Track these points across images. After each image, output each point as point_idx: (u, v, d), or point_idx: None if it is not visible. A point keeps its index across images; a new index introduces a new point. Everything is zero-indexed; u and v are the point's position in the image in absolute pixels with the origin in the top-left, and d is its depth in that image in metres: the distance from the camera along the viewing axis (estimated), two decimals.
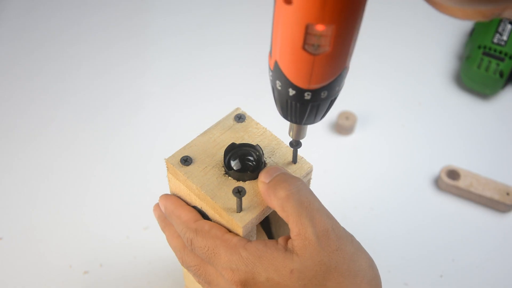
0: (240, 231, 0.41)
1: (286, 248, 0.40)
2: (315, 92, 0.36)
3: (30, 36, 0.96)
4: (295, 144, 0.43)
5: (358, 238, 0.43)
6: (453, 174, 0.76)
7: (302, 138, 0.42)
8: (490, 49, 0.86)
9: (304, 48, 0.33)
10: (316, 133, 0.83)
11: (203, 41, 0.96)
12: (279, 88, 0.37)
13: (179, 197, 0.47)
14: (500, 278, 0.69)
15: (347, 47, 0.34)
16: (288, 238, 0.41)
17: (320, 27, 0.31)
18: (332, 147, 0.82)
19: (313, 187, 0.48)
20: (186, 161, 0.44)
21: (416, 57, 0.95)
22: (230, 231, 0.43)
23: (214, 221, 0.44)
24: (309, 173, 0.45)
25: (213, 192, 0.43)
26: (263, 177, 0.42)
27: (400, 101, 0.89)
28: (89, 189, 0.76)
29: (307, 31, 0.32)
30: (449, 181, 0.75)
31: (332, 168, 0.79)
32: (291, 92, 0.36)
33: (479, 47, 0.87)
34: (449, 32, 0.98)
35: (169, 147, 0.50)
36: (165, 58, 0.93)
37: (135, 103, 0.87)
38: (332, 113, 0.85)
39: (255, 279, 0.40)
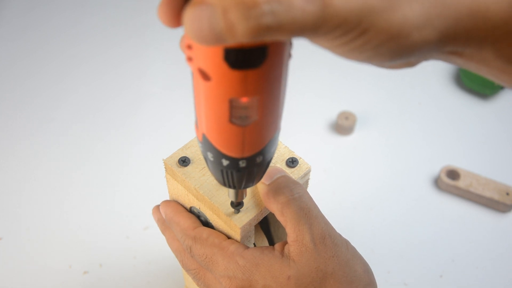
0: (238, 231, 0.41)
1: (283, 255, 0.40)
2: (250, 159, 0.34)
3: (30, 36, 0.96)
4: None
5: (357, 238, 0.43)
6: (453, 174, 0.76)
7: (244, 198, 0.40)
8: None
9: (231, 122, 0.30)
10: (316, 133, 0.83)
11: None
12: (212, 159, 0.34)
13: (177, 199, 0.47)
14: (500, 278, 0.69)
15: (276, 112, 0.31)
16: (285, 243, 0.41)
17: (244, 100, 0.29)
18: (332, 147, 0.82)
19: (313, 187, 0.48)
20: (184, 161, 0.44)
21: None
22: (228, 232, 0.43)
23: (212, 222, 0.44)
24: (307, 173, 0.45)
25: (211, 192, 0.43)
26: (263, 178, 0.42)
27: (400, 101, 0.88)
28: (89, 189, 0.76)
29: (232, 105, 0.29)
30: (449, 181, 0.75)
31: (332, 168, 0.79)
32: (225, 162, 0.34)
33: None
34: None
35: (168, 147, 0.50)
36: (165, 59, 0.93)
37: (135, 104, 0.87)
38: (332, 113, 0.85)
39: (252, 287, 0.40)
